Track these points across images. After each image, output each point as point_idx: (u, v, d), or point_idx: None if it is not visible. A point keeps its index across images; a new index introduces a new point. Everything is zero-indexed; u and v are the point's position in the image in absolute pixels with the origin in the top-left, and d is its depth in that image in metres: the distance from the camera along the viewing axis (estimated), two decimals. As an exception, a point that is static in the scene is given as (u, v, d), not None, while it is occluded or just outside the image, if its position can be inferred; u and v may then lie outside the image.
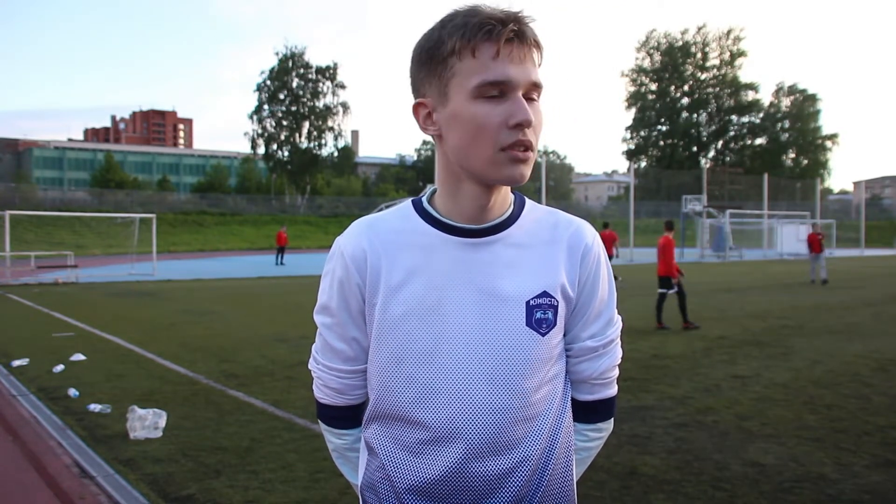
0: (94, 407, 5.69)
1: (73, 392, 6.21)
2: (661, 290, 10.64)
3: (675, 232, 11.20)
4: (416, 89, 1.18)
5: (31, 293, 16.36)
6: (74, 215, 33.33)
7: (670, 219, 11.94)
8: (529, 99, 1.10)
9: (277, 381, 6.73)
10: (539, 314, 1.17)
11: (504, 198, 1.20)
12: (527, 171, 1.11)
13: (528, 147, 1.10)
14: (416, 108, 1.19)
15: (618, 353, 1.31)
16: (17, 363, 7.55)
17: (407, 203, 1.25)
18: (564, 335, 1.25)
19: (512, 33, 1.07)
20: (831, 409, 5.66)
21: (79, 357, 7.82)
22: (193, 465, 4.38)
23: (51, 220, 33.41)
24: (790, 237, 40.58)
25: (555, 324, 1.19)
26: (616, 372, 1.32)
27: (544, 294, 1.18)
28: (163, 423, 5.01)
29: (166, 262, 29.21)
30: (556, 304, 1.19)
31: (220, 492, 3.94)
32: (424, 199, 1.24)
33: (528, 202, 1.26)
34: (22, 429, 5.29)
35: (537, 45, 1.11)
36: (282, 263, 28.38)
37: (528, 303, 1.17)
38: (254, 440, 4.87)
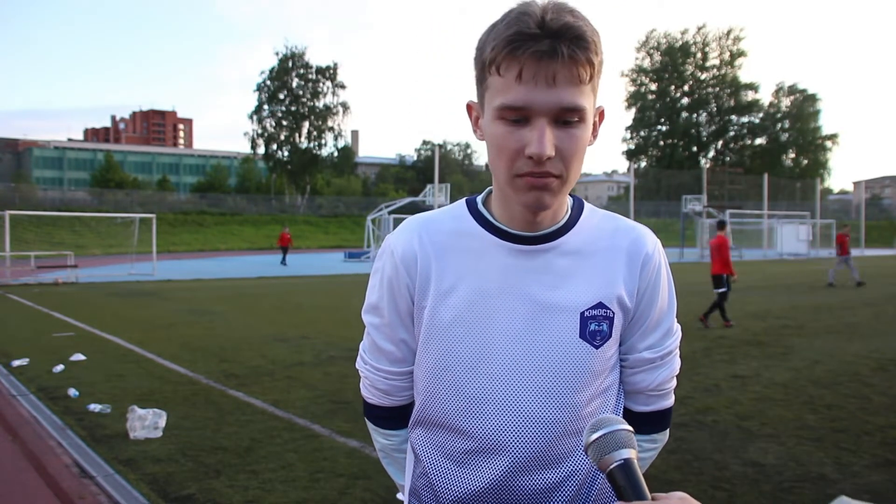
0: (94, 407, 5.69)
1: (73, 392, 6.21)
2: (719, 291, 10.71)
3: (726, 232, 11.29)
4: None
5: (31, 293, 16.35)
6: (74, 215, 33.24)
7: (721, 219, 12.02)
8: (565, 123, 1.00)
9: (277, 381, 6.73)
10: (594, 326, 1.12)
11: (557, 205, 1.11)
12: (548, 197, 1.04)
13: (548, 175, 1.02)
14: (469, 109, 1.14)
15: (676, 364, 1.24)
16: (17, 363, 7.56)
17: (461, 203, 1.19)
18: (620, 345, 1.19)
19: (539, 53, 0.96)
20: (831, 409, 5.66)
21: (79, 357, 7.82)
22: (193, 465, 4.38)
23: (51, 220, 33.34)
24: (790, 237, 40.65)
25: (610, 336, 1.13)
26: (674, 383, 1.25)
27: (600, 305, 1.12)
28: (163, 423, 5.01)
29: (166, 262, 29.21)
30: (611, 315, 1.13)
31: (220, 492, 3.94)
32: (479, 200, 1.17)
33: (587, 206, 1.19)
34: (22, 429, 5.29)
35: (576, 62, 0.97)
36: (283, 264, 28.37)
37: (582, 314, 1.11)
38: (254, 440, 4.88)
